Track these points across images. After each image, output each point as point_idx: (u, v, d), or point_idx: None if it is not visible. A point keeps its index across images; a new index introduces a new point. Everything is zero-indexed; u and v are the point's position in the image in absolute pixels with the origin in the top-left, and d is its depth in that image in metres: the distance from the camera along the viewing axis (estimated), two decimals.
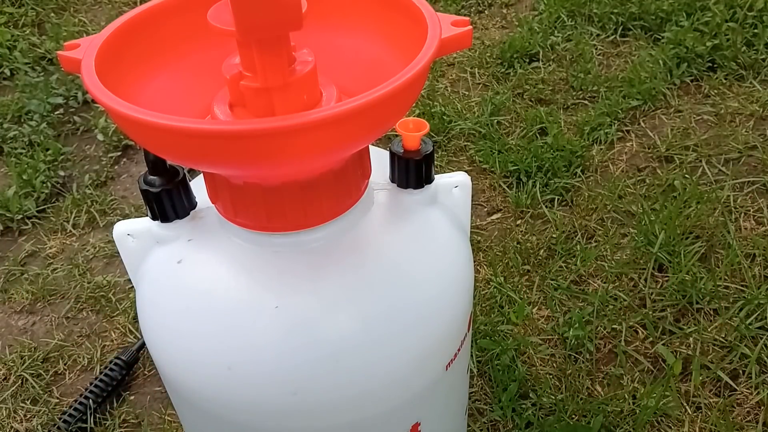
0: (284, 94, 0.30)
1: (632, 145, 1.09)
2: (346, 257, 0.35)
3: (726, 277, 0.85)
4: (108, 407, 0.77)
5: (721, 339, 0.78)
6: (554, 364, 0.78)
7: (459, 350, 0.41)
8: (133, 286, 0.54)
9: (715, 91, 1.18)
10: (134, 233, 0.38)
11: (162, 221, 0.37)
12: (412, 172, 0.38)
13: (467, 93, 1.23)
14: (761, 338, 0.77)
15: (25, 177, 1.06)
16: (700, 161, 1.04)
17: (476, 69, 1.28)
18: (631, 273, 0.87)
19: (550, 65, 1.27)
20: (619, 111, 1.13)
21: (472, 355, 0.77)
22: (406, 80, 0.28)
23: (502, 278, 0.87)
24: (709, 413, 0.72)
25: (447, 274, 0.39)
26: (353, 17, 0.37)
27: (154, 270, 0.38)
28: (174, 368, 0.37)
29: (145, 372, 0.81)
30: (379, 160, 0.39)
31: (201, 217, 0.37)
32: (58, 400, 0.79)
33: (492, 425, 0.72)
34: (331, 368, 0.34)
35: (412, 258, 0.37)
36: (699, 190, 0.97)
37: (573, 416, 0.72)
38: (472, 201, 0.46)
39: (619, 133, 1.11)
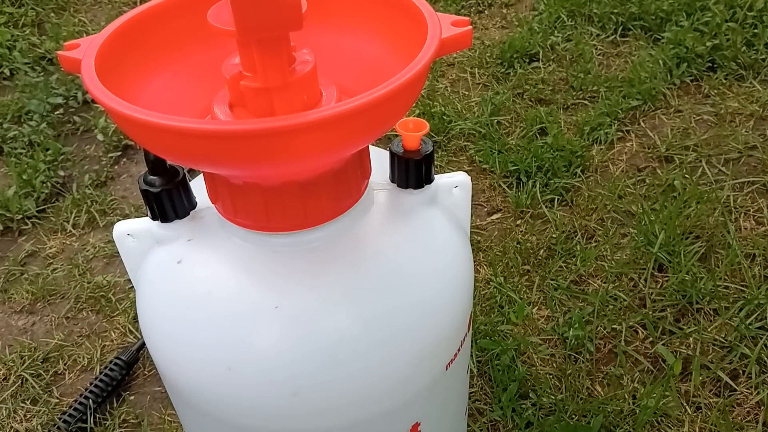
0: (284, 94, 0.30)
1: (632, 145, 1.09)
2: (346, 257, 0.35)
3: (726, 277, 0.85)
4: (108, 407, 0.77)
5: (721, 339, 0.78)
6: (554, 364, 0.78)
7: (459, 350, 0.41)
8: (133, 286, 0.54)
9: (715, 91, 1.18)
10: (134, 233, 0.38)
11: (162, 221, 0.37)
12: (412, 172, 0.38)
13: (467, 93, 1.23)
14: (761, 338, 0.77)
15: (25, 177, 1.06)
16: (700, 161, 1.04)
17: (476, 69, 1.28)
18: (631, 273, 0.87)
19: (550, 65, 1.27)
20: (619, 111, 1.13)
21: (472, 355, 0.77)
22: (406, 80, 0.28)
23: (502, 278, 0.87)
24: (709, 413, 0.72)
25: (447, 274, 0.39)
26: (353, 17, 0.37)
27: (154, 270, 0.38)
28: (174, 368, 0.37)
29: (145, 372, 0.81)
30: (379, 160, 0.39)
31: (201, 217, 0.38)
32: (58, 400, 0.79)
33: (492, 425, 0.72)
34: (331, 368, 0.34)
35: (412, 258, 0.37)
36: (699, 190, 0.97)
37: (573, 416, 0.72)
38: (472, 201, 0.46)
39: (619, 133, 1.11)
